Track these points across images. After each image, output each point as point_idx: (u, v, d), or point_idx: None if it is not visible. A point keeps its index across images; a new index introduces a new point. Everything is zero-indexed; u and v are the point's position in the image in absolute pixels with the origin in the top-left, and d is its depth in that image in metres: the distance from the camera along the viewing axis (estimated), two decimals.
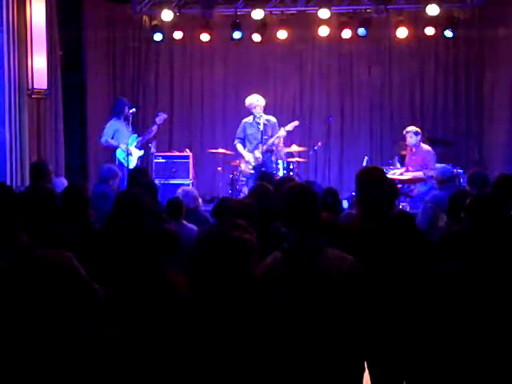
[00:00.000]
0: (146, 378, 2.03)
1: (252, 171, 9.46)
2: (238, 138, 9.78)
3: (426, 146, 9.04)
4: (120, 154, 9.54)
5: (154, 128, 9.74)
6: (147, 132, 9.79)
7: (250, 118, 9.64)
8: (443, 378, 2.99)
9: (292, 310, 2.95)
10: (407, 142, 9.02)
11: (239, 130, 9.78)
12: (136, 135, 9.70)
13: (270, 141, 9.52)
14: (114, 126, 9.70)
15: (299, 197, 3.17)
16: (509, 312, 2.89)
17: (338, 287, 3.00)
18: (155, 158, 10.14)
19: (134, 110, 9.62)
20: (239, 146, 9.74)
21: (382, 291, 3.53)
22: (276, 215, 4.33)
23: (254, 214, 4.04)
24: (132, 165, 9.39)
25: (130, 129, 9.67)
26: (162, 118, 9.87)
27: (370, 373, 3.70)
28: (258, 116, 9.48)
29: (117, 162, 9.61)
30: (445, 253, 3.68)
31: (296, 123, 9.77)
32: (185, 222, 5.43)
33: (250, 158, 9.58)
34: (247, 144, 9.69)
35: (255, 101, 9.53)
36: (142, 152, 9.79)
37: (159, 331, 2.77)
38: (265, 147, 9.47)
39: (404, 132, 9.06)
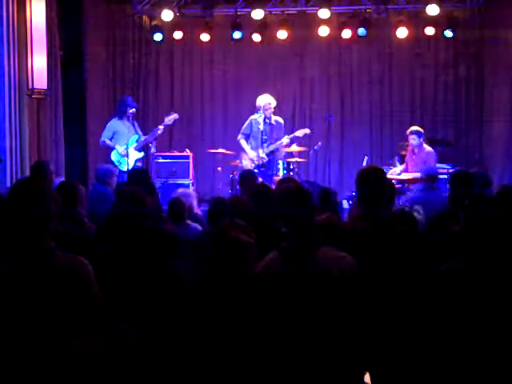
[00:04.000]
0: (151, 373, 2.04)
1: (255, 170, 9.45)
2: (243, 133, 9.72)
3: (428, 147, 9.00)
4: (114, 156, 9.41)
5: (161, 128, 9.55)
6: (151, 133, 9.62)
7: (257, 117, 9.58)
8: (443, 378, 2.99)
9: (291, 309, 2.95)
10: (410, 144, 8.97)
11: (246, 125, 9.72)
12: (137, 136, 9.53)
13: (272, 146, 9.52)
14: (113, 126, 9.54)
15: (293, 197, 3.18)
16: (507, 313, 2.88)
17: (338, 286, 3.00)
18: (155, 158, 10.12)
19: (133, 109, 9.55)
20: (243, 142, 9.70)
21: (382, 290, 3.52)
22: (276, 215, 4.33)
23: (253, 214, 4.05)
24: (128, 167, 9.17)
25: (133, 129, 9.55)
26: (172, 118, 9.65)
27: (370, 373, 3.70)
28: (262, 116, 9.43)
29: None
30: (444, 253, 3.68)
31: (307, 131, 9.77)
32: (188, 221, 5.44)
33: (254, 155, 9.57)
34: (252, 141, 9.66)
35: (267, 102, 9.51)
36: (141, 154, 9.55)
37: (162, 329, 2.77)
38: (266, 150, 9.48)
39: (407, 133, 9.01)
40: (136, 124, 9.72)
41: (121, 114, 9.52)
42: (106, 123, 9.78)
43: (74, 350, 1.96)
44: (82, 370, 2.08)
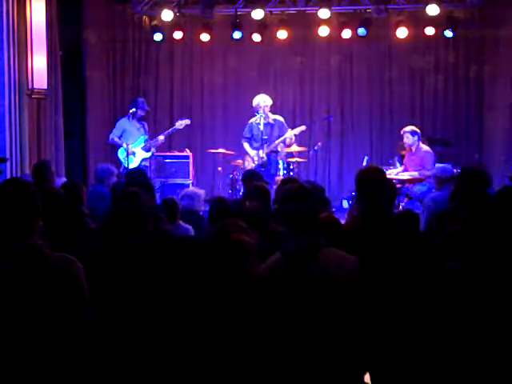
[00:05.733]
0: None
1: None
2: (244, 137, 9.83)
3: (425, 147, 9.03)
4: (121, 154, 9.54)
5: (161, 139, 9.74)
6: (154, 139, 9.75)
7: (256, 118, 9.65)
8: (443, 378, 2.99)
9: (293, 311, 2.95)
10: (404, 142, 9.02)
11: (246, 129, 9.83)
12: (146, 137, 9.65)
13: (278, 141, 9.54)
14: (122, 125, 9.71)
15: (297, 198, 3.17)
16: (508, 313, 2.88)
17: (340, 287, 3.00)
18: (155, 158, 10.14)
19: (133, 110, 9.61)
20: (246, 145, 9.80)
21: (383, 291, 3.52)
22: (272, 215, 4.33)
23: (253, 214, 4.04)
24: (133, 165, 9.33)
25: (142, 130, 9.65)
26: (183, 123, 9.82)
27: (370, 373, 3.70)
28: (262, 116, 9.47)
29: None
30: (445, 253, 3.67)
31: (303, 128, 9.80)
32: (180, 222, 5.44)
33: (254, 156, 9.62)
34: (253, 143, 9.73)
35: (262, 101, 9.55)
36: (148, 154, 9.67)
37: (165, 330, 2.77)
38: (266, 149, 9.49)
39: (401, 132, 9.08)
40: (146, 125, 9.84)
41: (130, 114, 9.65)
42: (108, 122, 9.88)
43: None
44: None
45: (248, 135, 9.78)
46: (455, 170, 8.80)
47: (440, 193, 6.45)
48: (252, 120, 9.76)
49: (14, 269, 2.50)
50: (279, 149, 9.64)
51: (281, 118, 9.79)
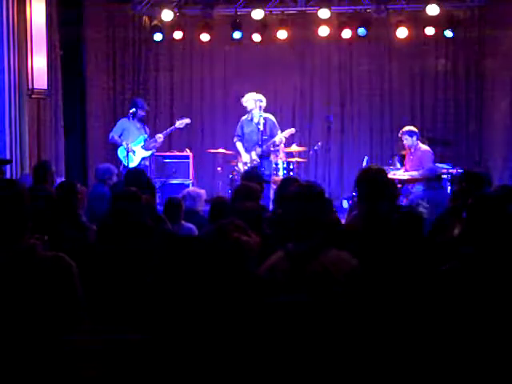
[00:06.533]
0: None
1: None
2: (237, 135, 9.78)
3: (424, 146, 9.01)
4: (121, 153, 9.54)
5: (161, 136, 9.71)
6: (153, 139, 9.72)
7: (247, 116, 9.64)
8: (444, 378, 2.99)
9: (293, 311, 2.95)
10: (404, 144, 8.99)
11: (238, 128, 9.79)
12: (146, 136, 9.66)
13: (267, 144, 9.49)
14: (122, 124, 9.71)
15: (304, 198, 3.16)
16: (509, 312, 2.88)
17: (340, 288, 3.00)
18: (155, 158, 10.14)
19: (133, 110, 9.61)
20: (239, 145, 9.75)
21: (384, 292, 3.52)
22: (262, 215, 4.32)
23: (251, 214, 4.04)
24: (133, 164, 9.34)
25: (143, 130, 9.66)
26: (183, 122, 9.84)
27: (370, 373, 3.69)
28: (256, 115, 9.45)
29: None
30: (447, 254, 3.67)
31: (292, 131, 9.74)
32: (183, 221, 5.44)
33: (246, 159, 9.58)
34: (244, 143, 9.68)
35: (253, 100, 9.51)
36: (148, 153, 9.67)
37: (164, 330, 2.77)
38: (263, 147, 9.45)
39: (399, 134, 9.03)
40: (147, 127, 9.88)
41: (130, 114, 9.66)
42: (108, 122, 9.88)
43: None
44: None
45: (240, 133, 9.73)
46: (456, 171, 8.83)
47: (427, 192, 6.46)
48: (243, 118, 9.73)
49: (5, 269, 2.50)
50: (272, 148, 9.60)
51: (272, 117, 9.75)
